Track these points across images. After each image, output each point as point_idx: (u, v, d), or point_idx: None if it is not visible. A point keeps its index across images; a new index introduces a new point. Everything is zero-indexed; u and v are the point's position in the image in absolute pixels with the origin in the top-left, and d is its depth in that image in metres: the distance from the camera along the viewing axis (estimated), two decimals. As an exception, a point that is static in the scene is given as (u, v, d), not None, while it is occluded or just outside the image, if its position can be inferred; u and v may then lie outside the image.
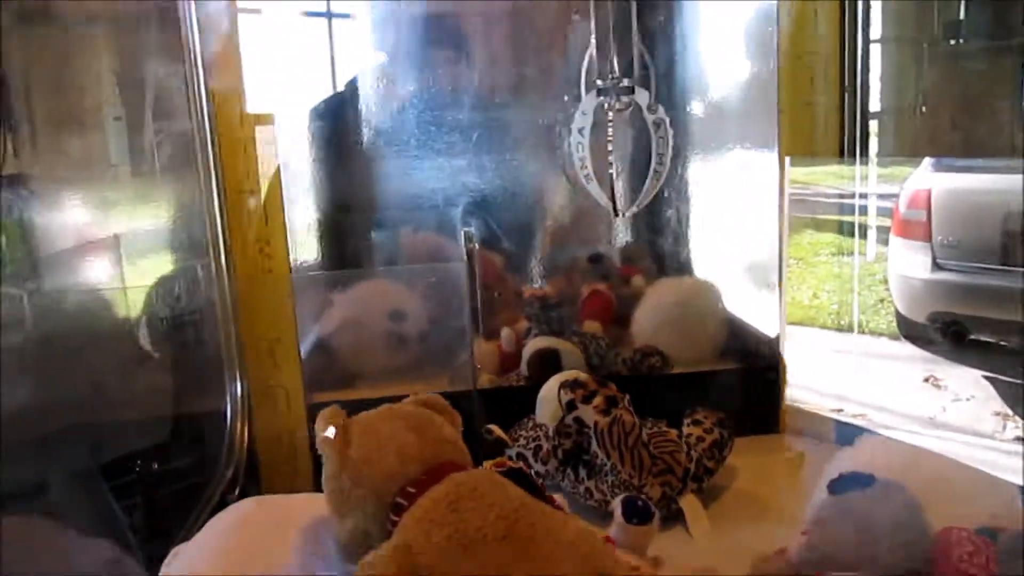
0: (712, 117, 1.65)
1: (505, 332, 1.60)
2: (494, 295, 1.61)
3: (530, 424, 1.35)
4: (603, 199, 1.45)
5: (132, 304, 1.57)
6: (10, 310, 1.50)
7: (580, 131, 1.44)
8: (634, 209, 1.47)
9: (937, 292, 3.34)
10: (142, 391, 1.45)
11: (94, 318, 1.54)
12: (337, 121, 1.48)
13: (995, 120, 1.66)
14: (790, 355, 1.69)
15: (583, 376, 1.28)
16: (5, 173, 1.58)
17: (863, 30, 1.44)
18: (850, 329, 4.46)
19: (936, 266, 3.30)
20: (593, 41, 1.40)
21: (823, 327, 4.43)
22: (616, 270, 1.71)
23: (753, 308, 1.66)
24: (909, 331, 3.73)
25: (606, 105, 1.42)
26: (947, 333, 3.43)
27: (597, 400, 1.19)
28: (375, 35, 1.56)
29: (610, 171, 1.44)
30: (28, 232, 1.60)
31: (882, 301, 4.29)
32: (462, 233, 1.46)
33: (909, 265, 3.42)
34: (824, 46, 1.45)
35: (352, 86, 1.51)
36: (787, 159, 1.53)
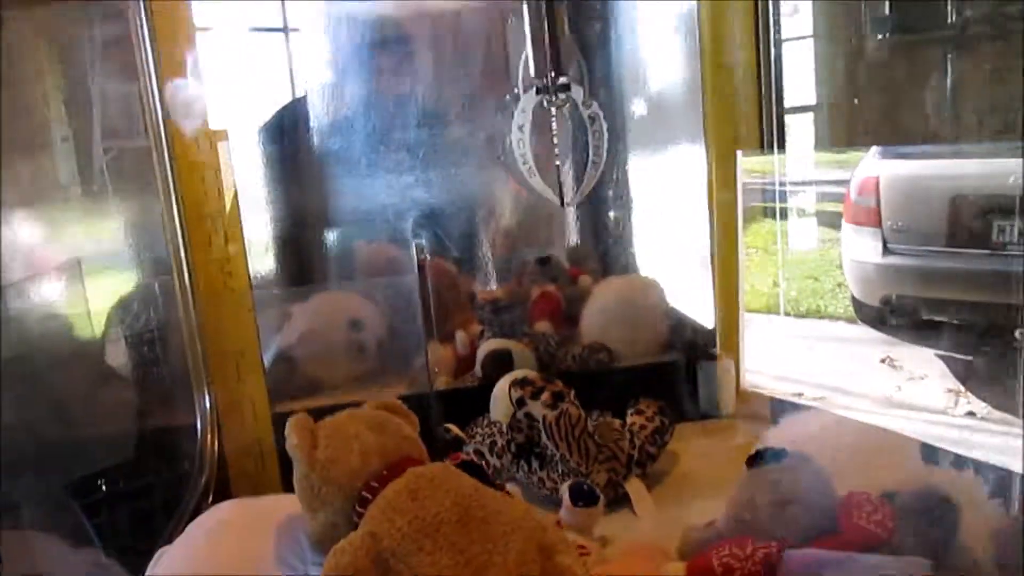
0: (646, 117, 1.82)
1: (459, 335, 1.75)
2: (447, 301, 1.76)
3: (485, 422, 1.50)
4: (547, 192, 1.58)
5: (96, 324, 1.68)
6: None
7: (520, 128, 1.55)
8: (578, 199, 1.61)
9: (888, 275, 3.56)
10: (110, 408, 1.57)
11: (58, 339, 1.65)
12: (290, 142, 1.62)
13: (923, 109, 1.82)
14: (750, 342, 1.84)
15: (531, 374, 1.44)
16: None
17: (774, 31, 1.59)
18: (810, 315, 4.69)
19: (887, 250, 3.52)
20: (529, 41, 1.52)
21: (785, 314, 4.64)
22: (564, 271, 1.88)
23: (698, 300, 1.81)
24: (865, 314, 3.95)
25: (544, 102, 1.55)
26: (899, 315, 3.66)
27: (544, 396, 1.34)
28: (325, 51, 1.70)
29: (556, 162, 1.57)
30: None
31: (839, 286, 4.51)
32: (413, 245, 1.60)
33: (861, 250, 3.63)
34: (742, 47, 1.59)
35: (303, 108, 1.65)
36: (739, 152, 1.69)
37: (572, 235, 1.89)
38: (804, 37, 1.86)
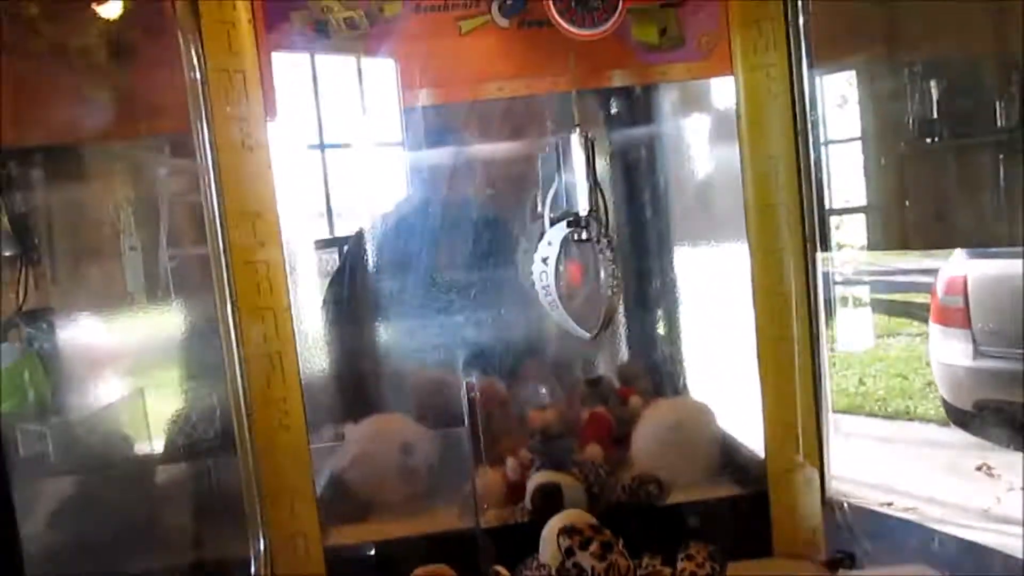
0: (693, 227, 1.99)
1: (510, 462, 1.86)
2: (497, 424, 1.90)
3: (534, 564, 1.60)
4: (569, 325, 1.70)
5: (155, 447, 1.86)
6: (35, 446, 1.79)
7: (544, 260, 1.67)
8: (600, 330, 1.71)
9: (981, 379, 3.55)
10: (164, 535, 1.73)
11: (118, 465, 1.83)
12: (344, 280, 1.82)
13: (976, 211, 1.91)
14: (836, 445, 1.89)
15: (580, 521, 1.54)
16: (26, 308, 1.89)
17: (813, 136, 1.69)
18: (899, 416, 4.66)
19: (978, 353, 3.52)
20: (562, 177, 1.66)
21: (871, 414, 4.65)
22: (614, 391, 2.02)
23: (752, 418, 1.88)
24: (957, 418, 3.93)
25: (575, 235, 1.67)
26: (995, 421, 3.64)
27: (593, 547, 1.44)
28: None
29: (609, 293, 1.68)
30: (49, 366, 1.89)
31: (929, 384, 4.50)
32: (464, 384, 1.74)
33: (951, 352, 3.64)
34: (783, 150, 1.69)
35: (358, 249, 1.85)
36: (819, 253, 1.79)
37: (623, 353, 2.02)
38: (852, 139, 1.98)
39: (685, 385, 2.03)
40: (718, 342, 1.96)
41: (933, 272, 3.83)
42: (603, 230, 1.66)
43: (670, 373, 2.03)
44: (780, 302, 1.70)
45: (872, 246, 2.03)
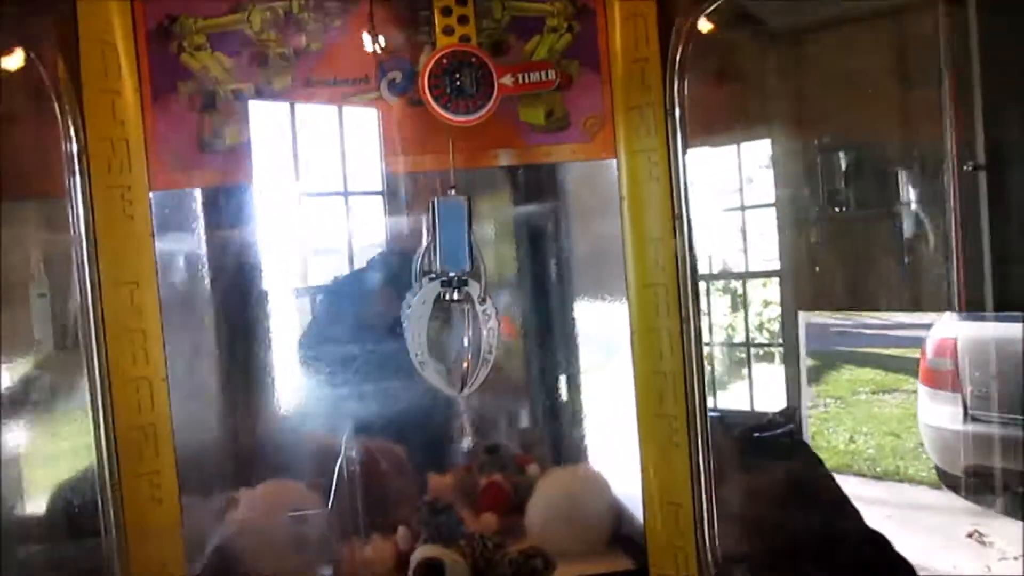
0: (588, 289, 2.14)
1: (401, 531, 1.96)
2: (392, 492, 2.01)
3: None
4: (438, 383, 1.79)
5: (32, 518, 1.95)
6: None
7: (419, 319, 1.76)
8: (469, 391, 1.80)
9: (972, 445, 3.56)
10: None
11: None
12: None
13: (881, 277, 2.03)
14: None
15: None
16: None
17: (687, 209, 1.78)
18: (888, 476, 4.68)
19: (968, 417, 3.53)
20: (436, 234, 1.75)
21: (859, 474, 4.66)
22: (512, 459, 2.13)
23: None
24: (949, 480, 3.93)
25: (445, 295, 1.76)
26: (986, 488, 3.64)
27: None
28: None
29: (487, 354, 1.77)
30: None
31: (922, 444, 4.48)
32: (344, 458, 1.86)
33: (940, 416, 3.64)
34: (663, 234, 1.80)
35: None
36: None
37: (523, 419, 2.14)
38: (767, 205, 2.10)
39: (585, 454, 2.12)
40: (619, 410, 2.05)
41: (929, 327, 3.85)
42: (482, 291, 1.76)
43: (570, 441, 2.13)
44: (659, 380, 1.82)
45: (785, 308, 2.16)
